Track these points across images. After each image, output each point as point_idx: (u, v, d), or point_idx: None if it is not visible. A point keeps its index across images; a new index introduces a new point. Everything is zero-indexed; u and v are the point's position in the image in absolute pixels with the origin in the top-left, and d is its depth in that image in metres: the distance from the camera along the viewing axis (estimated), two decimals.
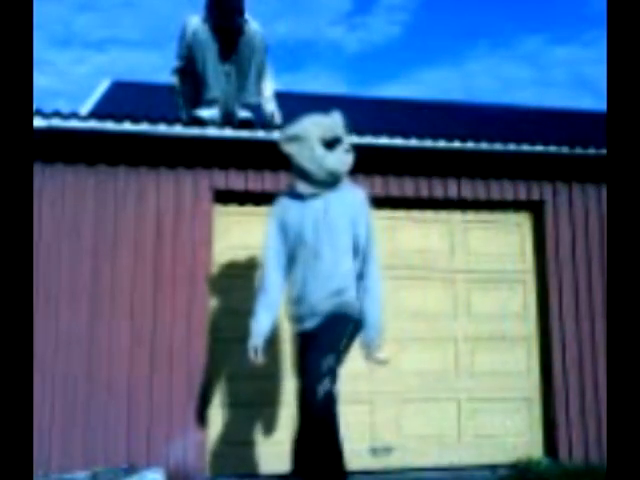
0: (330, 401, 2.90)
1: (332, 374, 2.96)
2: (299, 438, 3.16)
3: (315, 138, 3.21)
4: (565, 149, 5.27)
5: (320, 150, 3.19)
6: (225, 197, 5.07)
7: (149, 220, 4.84)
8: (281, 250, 3.27)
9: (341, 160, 3.25)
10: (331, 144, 3.22)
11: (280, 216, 3.31)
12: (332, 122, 3.27)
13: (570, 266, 5.37)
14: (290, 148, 3.25)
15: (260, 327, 3.23)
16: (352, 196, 3.31)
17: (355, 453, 4.98)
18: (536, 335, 5.45)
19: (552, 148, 5.26)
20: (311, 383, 2.91)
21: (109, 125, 4.63)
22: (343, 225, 3.19)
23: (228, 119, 5.24)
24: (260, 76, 5.28)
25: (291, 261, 3.26)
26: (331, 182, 3.25)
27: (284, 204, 3.34)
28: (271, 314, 3.27)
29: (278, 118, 5.42)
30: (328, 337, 3.07)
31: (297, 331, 3.31)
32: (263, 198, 5.03)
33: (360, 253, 3.22)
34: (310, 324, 3.18)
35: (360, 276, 3.21)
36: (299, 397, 3.13)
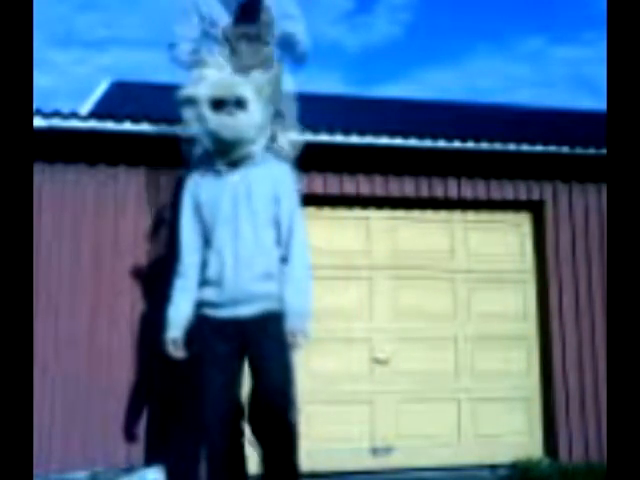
0: (293, 420, 2.88)
1: (292, 397, 2.85)
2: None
3: (205, 97, 2.87)
4: (565, 149, 5.27)
5: (207, 112, 2.85)
6: None
7: (149, 220, 4.83)
8: (196, 231, 2.94)
9: (223, 123, 2.83)
10: (219, 105, 2.84)
11: (193, 194, 2.97)
12: (224, 80, 2.93)
13: (570, 266, 5.37)
14: (186, 114, 2.96)
15: (178, 317, 2.90)
16: (275, 171, 2.96)
17: (355, 453, 4.99)
18: (536, 335, 5.45)
19: (552, 148, 5.26)
20: (278, 410, 2.80)
21: (109, 125, 4.63)
22: (264, 202, 2.87)
23: None
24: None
25: (207, 242, 2.94)
26: (228, 151, 2.88)
27: (197, 181, 2.99)
28: (189, 300, 2.93)
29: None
30: (279, 358, 2.82)
31: (211, 316, 2.89)
32: None
33: (283, 233, 2.89)
34: (236, 312, 2.82)
35: (283, 258, 2.89)
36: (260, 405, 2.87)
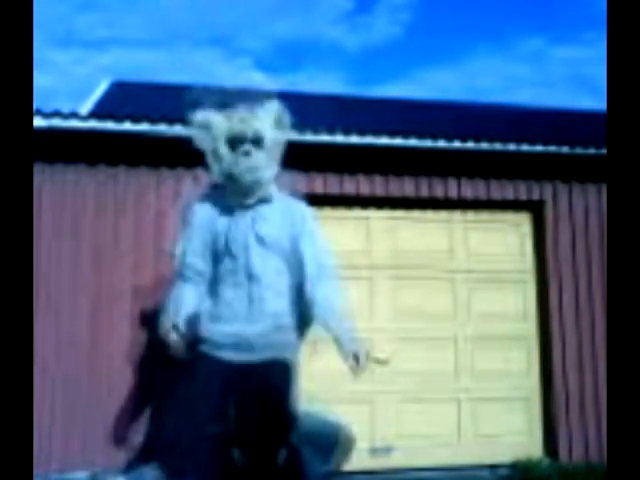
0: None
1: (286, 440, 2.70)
2: None
3: (220, 132, 2.69)
4: (565, 149, 5.27)
5: (223, 148, 2.69)
6: None
7: (149, 220, 4.84)
8: (204, 254, 2.76)
9: (240, 165, 2.64)
10: (235, 143, 2.67)
11: (204, 223, 2.76)
12: (244, 116, 2.70)
13: (570, 266, 5.37)
14: (196, 134, 2.76)
15: (181, 308, 2.71)
16: (289, 209, 2.79)
17: (355, 453, 4.98)
18: (536, 335, 5.45)
19: (552, 148, 5.26)
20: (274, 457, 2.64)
21: (109, 125, 4.63)
22: (278, 242, 2.70)
23: None
24: None
25: (215, 278, 2.75)
26: (244, 194, 2.69)
27: (208, 211, 2.78)
28: (193, 299, 2.75)
29: None
30: (279, 406, 2.67)
31: (214, 356, 2.71)
32: None
33: (308, 268, 2.72)
34: (242, 356, 2.67)
35: (313, 291, 2.71)
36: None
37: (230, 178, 2.70)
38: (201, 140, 2.77)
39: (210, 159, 2.76)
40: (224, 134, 2.69)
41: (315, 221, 2.86)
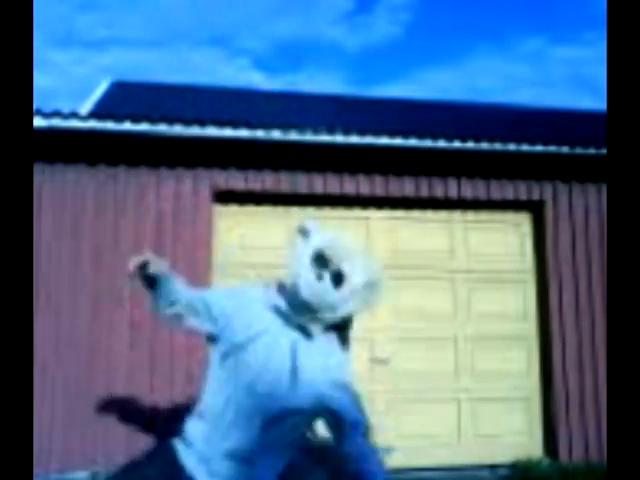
0: None
1: None
2: None
3: (311, 247, 2.46)
4: (565, 149, 5.27)
5: (305, 264, 2.42)
6: (225, 197, 5.07)
7: (149, 220, 4.84)
8: (216, 314, 2.46)
9: (311, 282, 2.36)
10: (317, 263, 2.41)
11: (246, 305, 2.45)
12: (339, 250, 2.46)
13: (570, 266, 5.37)
14: (295, 237, 2.53)
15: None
16: (330, 353, 2.51)
17: None
18: (536, 335, 5.45)
19: (552, 148, 5.26)
20: None
21: (109, 125, 4.63)
22: (307, 381, 2.37)
23: None
24: None
25: (220, 368, 2.42)
26: (299, 308, 2.40)
27: (257, 301, 2.47)
28: (179, 287, 2.46)
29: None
30: None
31: (177, 456, 2.31)
32: (263, 198, 5.07)
33: (344, 420, 2.45)
34: (193, 472, 2.27)
35: (350, 447, 2.38)
36: None
37: (296, 288, 2.40)
38: (297, 241, 2.52)
39: (293, 262, 2.48)
40: (314, 250, 2.43)
41: (350, 369, 2.62)
